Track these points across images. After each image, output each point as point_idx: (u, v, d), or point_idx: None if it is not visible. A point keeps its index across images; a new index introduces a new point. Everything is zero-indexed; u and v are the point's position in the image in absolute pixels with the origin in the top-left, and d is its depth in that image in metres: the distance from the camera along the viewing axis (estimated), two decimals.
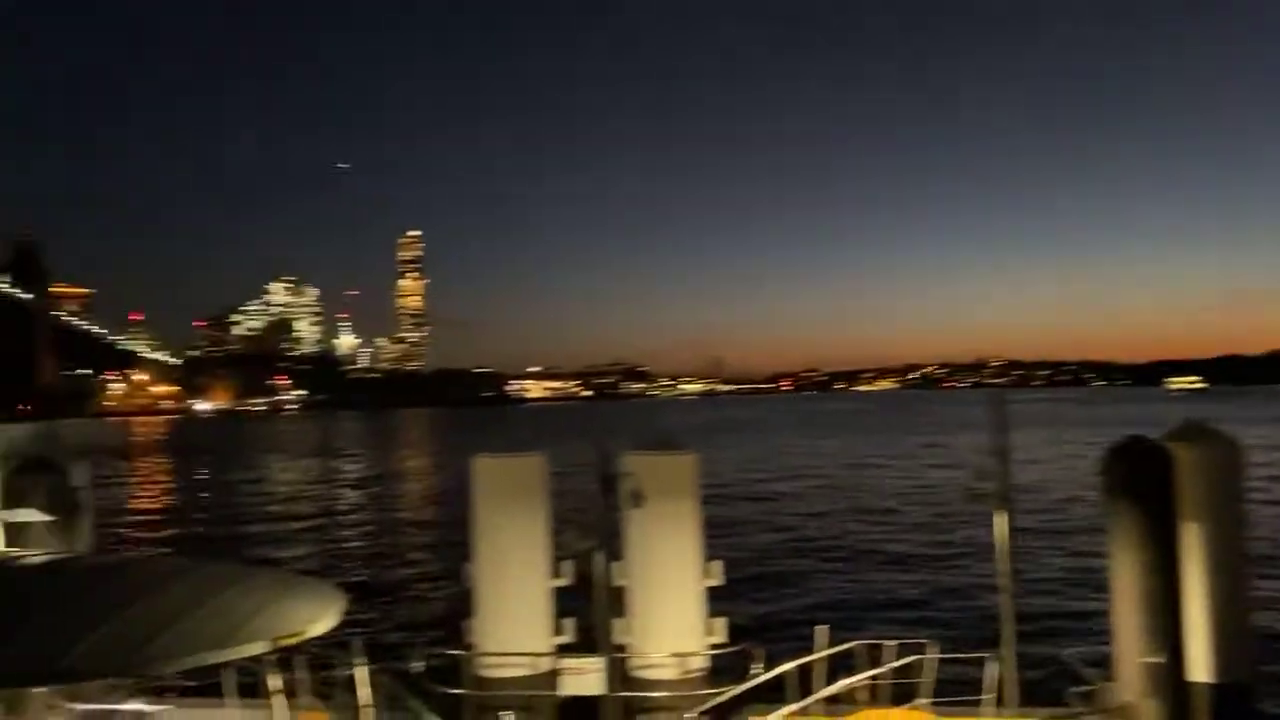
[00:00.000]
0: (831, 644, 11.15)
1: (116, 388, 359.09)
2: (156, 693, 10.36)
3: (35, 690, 8.29)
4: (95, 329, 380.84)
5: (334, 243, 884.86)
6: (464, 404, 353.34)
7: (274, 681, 9.33)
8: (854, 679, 10.85)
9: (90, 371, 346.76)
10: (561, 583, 11.93)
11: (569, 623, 11.89)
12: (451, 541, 32.71)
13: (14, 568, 7.82)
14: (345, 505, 55.20)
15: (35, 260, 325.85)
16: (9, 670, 6.41)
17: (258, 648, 7.13)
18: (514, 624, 11.65)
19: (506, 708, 10.82)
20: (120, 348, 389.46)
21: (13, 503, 10.24)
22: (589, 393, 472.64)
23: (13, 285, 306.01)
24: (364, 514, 50.43)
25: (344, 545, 39.97)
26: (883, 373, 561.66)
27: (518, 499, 11.91)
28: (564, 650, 11.71)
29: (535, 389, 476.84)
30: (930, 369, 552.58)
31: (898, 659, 11.00)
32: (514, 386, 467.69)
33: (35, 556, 8.30)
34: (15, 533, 10.07)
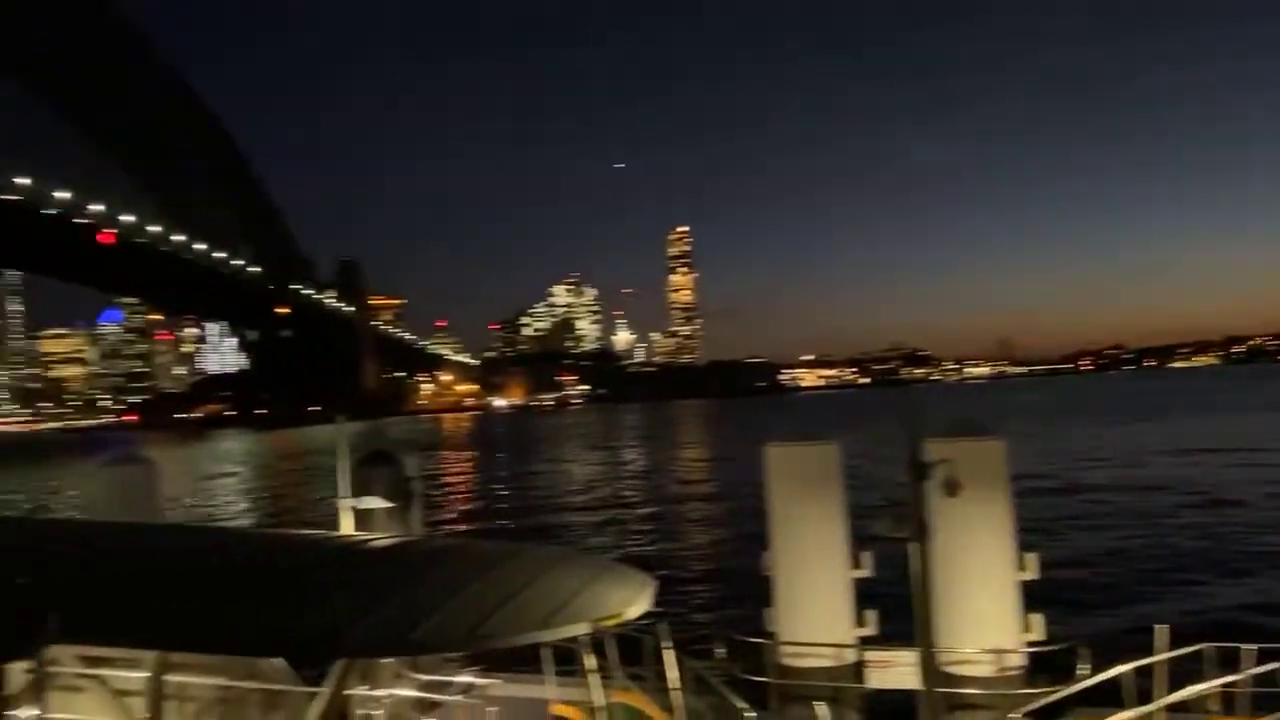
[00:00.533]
0: (1174, 646, 9.98)
1: (427, 388, 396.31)
2: (485, 666, 11.06)
3: (385, 660, 9.13)
4: (407, 335, 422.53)
5: (609, 242, 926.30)
6: (738, 394, 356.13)
7: (589, 661, 9.71)
8: (1206, 685, 9.64)
9: (404, 374, 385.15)
10: (862, 573, 11.63)
11: (872, 614, 11.58)
12: (744, 528, 33.01)
13: (367, 550, 8.71)
14: (635, 493, 57.29)
15: (357, 277, 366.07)
16: (367, 642, 7.12)
17: (579, 628, 7.46)
18: (815, 614, 11.49)
19: (813, 698, 10.66)
20: (428, 351, 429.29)
21: (359, 491, 11.29)
22: (866, 380, 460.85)
23: (338, 300, 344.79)
24: (654, 502, 52.05)
25: (639, 532, 41.48)
26: (1201, 347, 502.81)
27: (812, 487, 11.73)
28: (868, 642, 11.40)
29: (809, 377, 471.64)
30: (1258, 340, 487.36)
31: (1258, 665, 9.65)
32: (787, 376, 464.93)
33: (383, 539, 9.20)
34: (362, 518, 11.17)
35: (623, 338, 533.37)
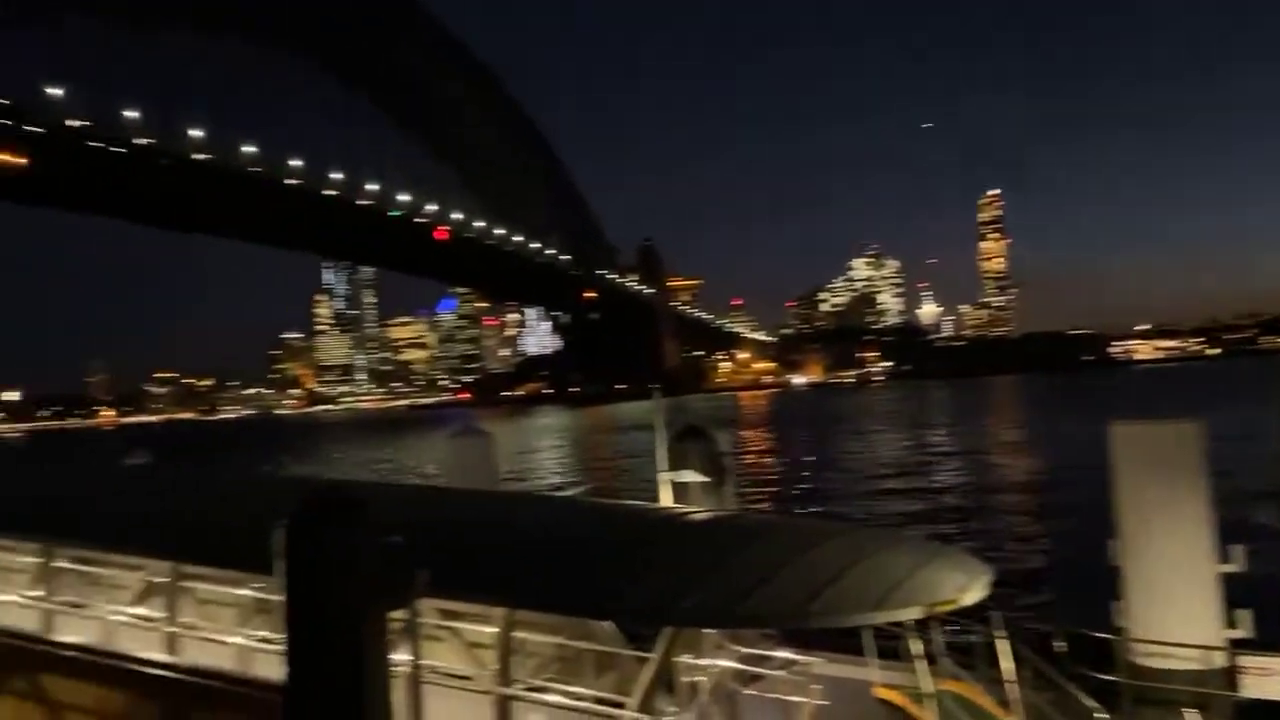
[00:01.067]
0: None
1: (724, 366, 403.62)
2: (805, 644, 10.98)
3: (707, 631, 9.27)
4: (704, 315, 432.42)
5: (912, 211, 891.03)
6: (1060, 369, 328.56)
7: (915, 646, 9.30)
8: None
9: (702, 353, 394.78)
10: (1232, 568, 10.27)
11: (1245, 614, 10.19)
12: (1078, 514, 30.29)
13: (693, 522, 8.90)
14: (950, 474, 54.62)
15: (656, 261, 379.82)
16: (696, 612, 7.24)
17: (913, 612, 7.15)
18: (1174, 611, 10.29)
19: (1172, 702, 9.56)
20: (725, 330, 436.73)
21: (675, 465, 11.55)
22: (1214, 350, 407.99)
23: (640, 283, 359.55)
24: (972, 483, 49.30)
25: (957, 514, 39.39)
26: None
27: (1170, 471, 10.50)
28: (1242, 646, 10.05)
29: (1144, 349, 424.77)
30: None
31: None
32: (1119, 348, 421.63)
33: (706, 513, 9.35)
34: (678, 491, 11.44)
35: (928, 310, 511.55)
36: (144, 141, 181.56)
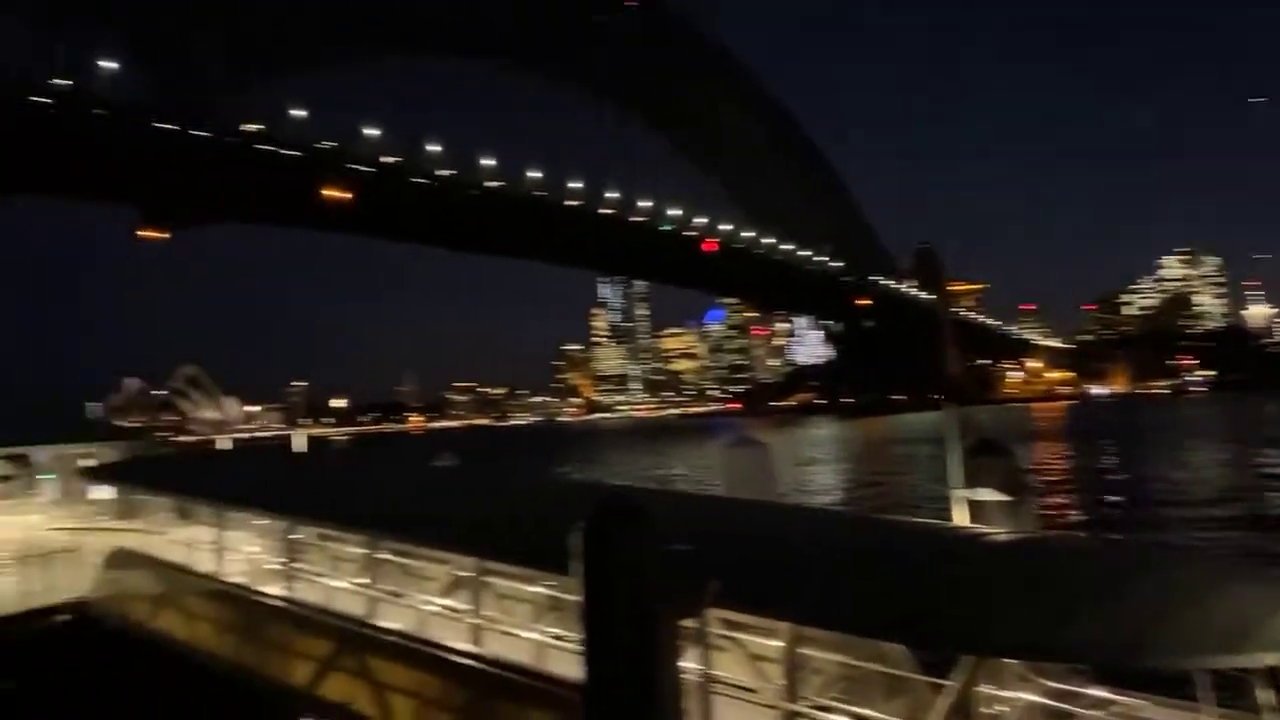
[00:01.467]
0: None
1: (1014, 375, 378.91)
2: (1123, 682, 9.92)
3: (1010, 661, 8.56)
4: (989, 321, 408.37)
5: (1237, 200, 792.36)
6: None
7: (1265, 696, 8.08)
8: None
9: (989, 361, 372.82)
10: None
11: None
12: None
13: (998, 544, 8.26)
14: None
15: (934, 265, 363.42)
16: (1007, 642, 6.65)
17: (1271, 658, 6.19)
18: None
19: None
20: (1013, 337, 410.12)
21: (970, 482, 10.85)
22: None
23: (918, 289, 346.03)
24: None
25: None
26: None
27: None
28: None
29: None
30: None
31: None
32: None
33: (1013, 535, 8.65)
34: (976, 511, 10.73)
35: (1257, 312, 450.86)
36: (446, 173, 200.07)
